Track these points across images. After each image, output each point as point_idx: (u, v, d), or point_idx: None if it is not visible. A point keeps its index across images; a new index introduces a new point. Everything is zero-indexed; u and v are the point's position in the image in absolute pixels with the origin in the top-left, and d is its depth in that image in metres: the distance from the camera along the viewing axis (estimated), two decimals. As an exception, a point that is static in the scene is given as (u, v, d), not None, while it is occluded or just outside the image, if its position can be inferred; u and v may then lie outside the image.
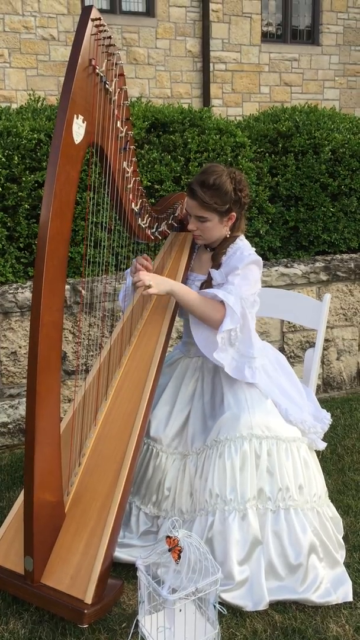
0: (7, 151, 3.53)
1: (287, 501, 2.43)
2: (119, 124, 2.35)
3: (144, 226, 2.66)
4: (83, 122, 2.09)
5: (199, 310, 2.47)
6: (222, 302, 2.43)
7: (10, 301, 3.49)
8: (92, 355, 3.75)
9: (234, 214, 2.56)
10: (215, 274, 2.57)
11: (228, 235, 2.61)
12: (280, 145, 4.37)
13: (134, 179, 2.51)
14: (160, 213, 2.76)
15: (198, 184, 2.50)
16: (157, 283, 2.45)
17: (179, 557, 2.06)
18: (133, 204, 2.55)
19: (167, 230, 2.84)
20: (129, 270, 2.76)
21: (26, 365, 3.54)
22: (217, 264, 2.59)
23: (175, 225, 2.86)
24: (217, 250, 2.61)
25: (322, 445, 2.63)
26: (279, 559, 2.39)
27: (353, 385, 4.53)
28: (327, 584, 2.40)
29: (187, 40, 9.75)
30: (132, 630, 2.18)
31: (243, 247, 2.57)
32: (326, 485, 2.65)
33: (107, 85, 2.22)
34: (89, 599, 2.11)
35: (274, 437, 2.47)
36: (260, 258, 2.54)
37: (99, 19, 2.11)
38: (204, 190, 2.48)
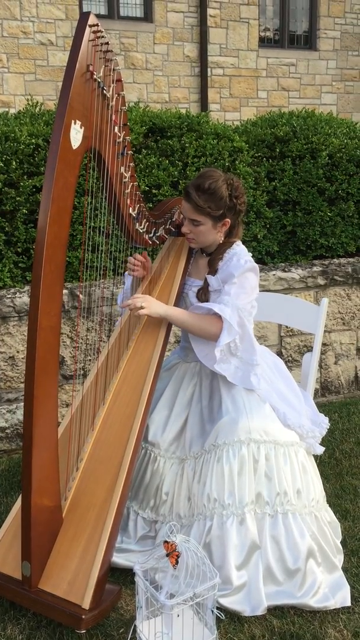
0: (5, 156, 3.54)
1: (285, 506, 2.43)
2: (116, 130, 2.35)
3: (141, 231, 2.66)
4: (81, 128, 2.10)
5: (195, 329, 2.49)
6: (218, 315, 2.44)
7: (8, 306, 3.49)
8: (89, 360, 3.75)
9: (228, 220, 2.56)
10: (212, 280, 2.57)
11: (221, 241, 2.61)
12: (277, 150, 4.38)
13: (131, 184, 2.52)
14: (158, 218, 2.76)
15: (194, 187, 2.51)
16: (150, 305, 2.48)
17: (177, 562, 2.05)
18: (131, 208, 2.55)
19: (165, 235, 2.85)
20: (127, 272, 2.77)
21: (24, 369, 3.53)
22: (213, 270, 2.59)
23: (173, 230, 2.87)
24: (213, 256, 2.62)
25: (320, 450, 2.64)
26: (277, 564, 2.38)
27: (351, 389, 4.54)
28: (325, 589, 2.39)
29: (185, 45, 9.78)
30: (129, 636, 2.18)
31: (240, 253, 2.57)
32: (324, 489, 2.64)
33: (104, 91, 2.23)
34: (86, 605, 2.11)
35: (272, 442, 2.47)
36: (256, 265, 2.55)
37: (97, 24, 2.12)
38: (198, 194, 2.49)
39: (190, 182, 2.56)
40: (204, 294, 2.59)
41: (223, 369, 2.47)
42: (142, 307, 2.46)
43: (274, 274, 4.13)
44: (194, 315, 2.51)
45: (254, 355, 2.49)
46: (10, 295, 3.53)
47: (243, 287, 2.49)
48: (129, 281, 2.81)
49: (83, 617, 2.09)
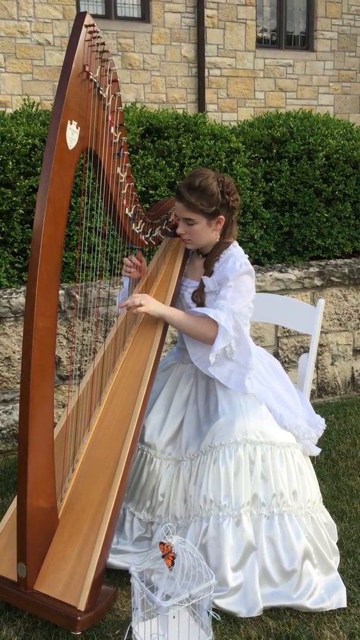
0: (1, 156, 3.53)
1: (282, 507, 2.42)
2: (112, 130, 2.35)
3: (138, 231, 2.66)
4: (77, 128, 2.09)
5: (192, 331, 2.50)
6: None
7: (4, 306, 3.48)
8: (86, 361, 3.75)
9: (222, 217, 2.56)
10: (208, 282, 2.57)
11: (218, 240, 2.61)
12: (274, 150, 4.38)
13: (127, 184, 2.52)
14: (154, 219, 2.76)
15: (185, 187, 2.52)
16: (148, 304, 2.49)
17: (173, 564, 2.05)
18: (127, 209, 2.55)
19: (161, 236, 2.84)
20: (123, 274, 2.77)
21: (20, 370, 3.53)
22: (209, 271, 2.59)
23: (170, 230, 2.87)
24: (209, 257, 2.61)
25: (317, 451, 2.63)
26: (273, 565, 2.38)
27: (347, 390, 4.54)
28: (321, 590, 2.39)
29: (182, 46, 9.78)
30: (125, 637, 2.17)
31: (236, 255, 2.56)
32: (320, 490, 2.65)
33: (100, 91, 2.23)
34: (82, 606, 2.11)
35: (269, 443, 2.47)
36: (252, 268, 2.54)
37: (93, 25, 2.11)
38: (190, 192, 2.50)
39: (181, 183, 2.57)
40: (199, 296, 2.58)
41: (216, 371, 2.47)
42: (140, 305, 2.46)
43: (270, 275, 4.13)
44: (191, 317, 2.51)
45: (249, 358, 2.49)
46: (6, 296, 3.53)
47: (239, 290, 2.49)
48: (127, 282, 2.81)
49: (79, 618, 2.09)
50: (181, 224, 2.59)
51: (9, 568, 2.26)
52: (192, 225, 2.55)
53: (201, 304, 2.58)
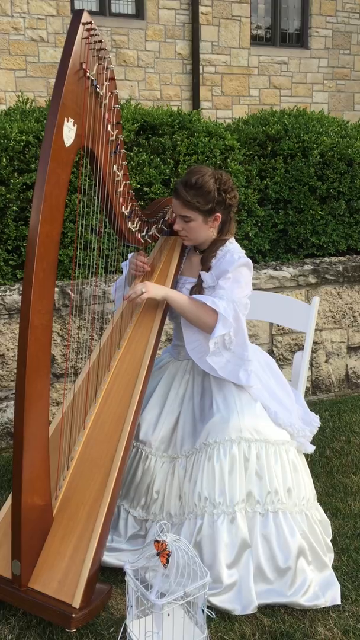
0: (-4, 153, 3.52)
1: (276, 504, 2.43)
2: (109, 128, 2.34)
3: (134, 230, 2.66)
4: (73, 126, 2.09)
5: (192, 315, 2.48)
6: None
7: (-2, 303, 3.47)
8: (81, 358, 3.75)
9: (218, 214, 2.56)
10: (206, 277, 2.57)
11: (214, 237, 2.61)
12: (269, 148, 4.39)
13: (124, 182, 2.51)
14: (150, 217, 2.76)
15: (181, 184, 2.53)
16: (150, 289, 2.49)
17: (167, 561, 2.05)
18: (123, 207, 2.55)
19: (157, 234, 2.84)
20: (126, 262, 2.76)
21: (14, 368, 3.53)
22: (206, 267, 2.59)
23: (166, 229, 2.86)
24: (206, 253, 2.62)
25: (311, 449, 2.64)
26: (267, 563, 2.39)
27: (342, 387, 4.55)
28: (315, 587, 2.40)
29: (177, 43, 9.76)
30: (120, 635, 2.17)
31: (233, 250, 2.57)
32: (315, 488, 2.65)
33: (97, 89, 2.22)
34: (76, 603, 2.11)
35: (263, 441, 2.47)
36: (250, 260, 2.55)
37: (90, 22, 2.11)
38: (186, 189, 2.50)
39: (178, 180, 2.58)
40: (198, 291, 2.59)
41: (214, 361, 2.46)
42: (142, 292, 2.47)
43: (265, 273, 4.13)
44: (193, 301, 2.50)
45: (246, 350, 2.49)
46: (0, 293, 3.52)
47: (238, 281, 2.50)
48: (126, 269, 2.80)
49: (73, 616, 2.09)
50: (178, 221, 2.60)
51: (3, 565, 2.26)
52: (188, 222, 2.56)
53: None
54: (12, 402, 3.56)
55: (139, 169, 3.89)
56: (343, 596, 2.41)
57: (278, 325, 4.22)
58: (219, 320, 2.42)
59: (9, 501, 2.40)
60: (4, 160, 3.52)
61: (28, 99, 4.22)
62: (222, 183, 2.54)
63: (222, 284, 2.50)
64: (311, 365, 4.40)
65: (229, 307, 2.43)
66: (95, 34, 2.13)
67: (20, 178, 3.57)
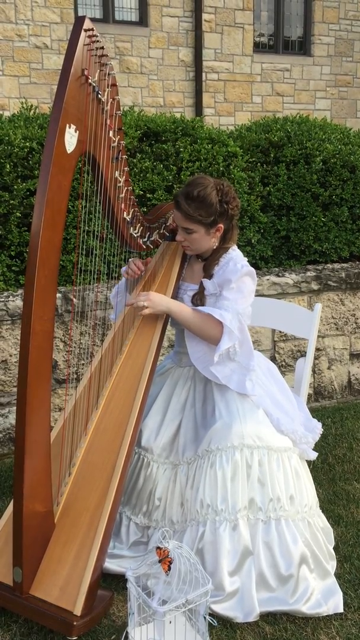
0: (-1, 159, 3.53)
1: (278, 511, 2.42)
2: (111, 134, 2.35)
3: (135, 235, 2.66)
4: (75, 132, 2.09)
5: (196, 327, 2.48)
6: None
7: (0, 309, 3.48)
8: (83, 364, 3.74)
9: (221, 225, 2.55)
10: (208, 284, 2.57)
11: (215, 247, 2.60)
12: (272, 155, 4.39)
13: (126, 188, 2.52)
14: (152, 222, 2.76)
15: (183, 196, 2.49)
16: (154, 303, 2.47)
17: (169, 568, 2.05)
18: (125, 213, 2.55)
19: (159, 240, 2.84)
20: (125, 268, 2.76)
21: (16, 374, 3.52)
22: (208, 275, 2.59)
23: (167, 234, 2.87)
24: (209, 261, 2.61)
25: (313, 455, 2.63)
26: (269, 570, 2.38)
27: (344, 394, 4.54)
28: (317, 595, 2.39)
29: (180, 50, 9.79)
30: (121, 642, 2.17)
31: (236, 258, 2.57)
32: (317, 495, 2.64)
33: (99, 95, 2.23)
34: (78, 611, 2.10)
35: (265, 447, 2.46)
36: (253, 269, 2.54)
37: (92, 29, 2.12)
38: (188, 202, 2.48)
39: (179, 190, 2.55)
40: (199, 298, 2.58)
41: (218, 370, 2.46)
42: (144, 307, 2.46)
43: (267, 279, 4.13)
44: (196, 313, 2.50)
45: (251, 360, 2.49)
46: (3, 299, 3.52)
47: (241, 291, 2.49)
48: (124, 279, 2.80)
49: (75, 623, 2.08)
50: (180, 232, 2.59)
51: (4, 572, 2.25)
52: (190, 234, 2.55)
53: (204, 307, 2.57)
54: (15, 407, 3.56)
55: (142, 175, 3.90)
56: (345, 604, 2.40)
57: (280, 332, 4.22)
58: (224, 333, 2.41)
59: (10, 507, 2.40)
60: (8, 166, 3.53)
61: (32, 105, 4.24)
62: (224, 194, 2.52)
63: (226, 294, 2.49)
64: (313, 371, 4.40)
65: (234, 320, 2.43)
66: (97, 41, 2.14)
67: (24, 184, 3.58)
